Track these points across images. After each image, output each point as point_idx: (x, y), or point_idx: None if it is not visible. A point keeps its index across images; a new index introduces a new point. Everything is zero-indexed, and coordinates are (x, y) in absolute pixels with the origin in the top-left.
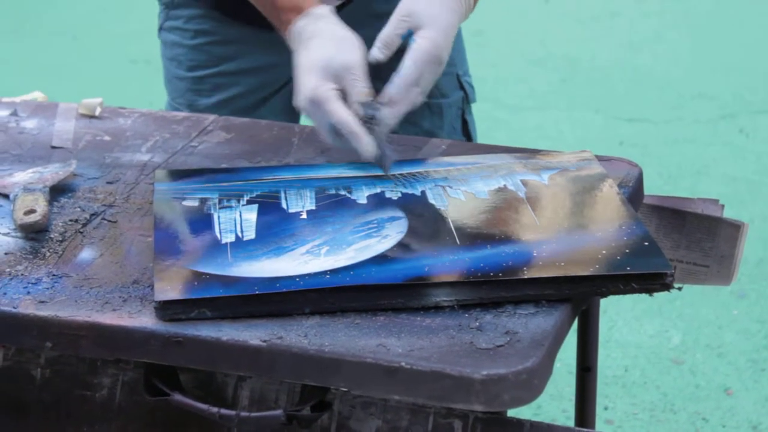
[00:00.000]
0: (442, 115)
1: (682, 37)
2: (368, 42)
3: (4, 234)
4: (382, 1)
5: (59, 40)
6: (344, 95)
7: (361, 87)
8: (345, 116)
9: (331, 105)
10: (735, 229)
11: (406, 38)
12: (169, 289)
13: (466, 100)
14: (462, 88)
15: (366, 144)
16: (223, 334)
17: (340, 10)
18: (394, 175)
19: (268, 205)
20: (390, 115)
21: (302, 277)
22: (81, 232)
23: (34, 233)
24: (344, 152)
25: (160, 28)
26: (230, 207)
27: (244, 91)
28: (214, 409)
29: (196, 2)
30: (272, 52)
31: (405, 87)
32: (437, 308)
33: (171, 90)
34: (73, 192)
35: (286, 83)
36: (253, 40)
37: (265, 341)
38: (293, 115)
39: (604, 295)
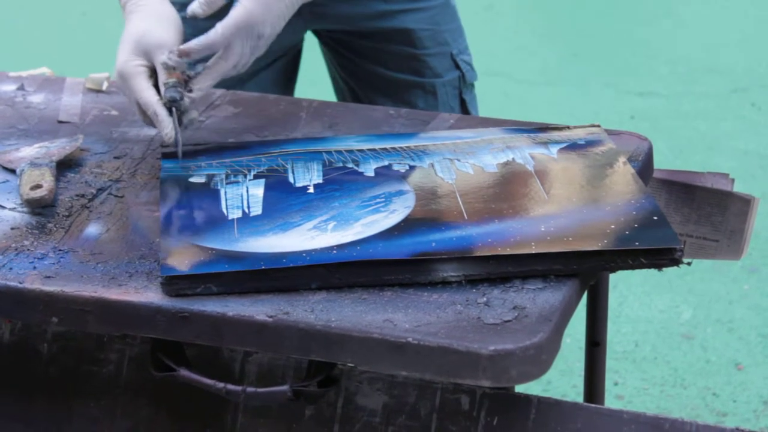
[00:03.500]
0: (437, 95)
1: (693, 10)
2: (342, 19)
3: (11, 209)
4: None
5: (68, 16)
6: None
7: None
8: (147, 95)
9: (135, 81)
10: (745, 203)
11: (230, 1)
12: (176, 265)
13: (464, 79)
14: (458, 67)
15: (164, 127)
16: (229, 310)
17: None
18: (402, 147)
19: (276, 180)
20: (193, 96)
21: (309, 252)
22: (87, 207)
23: (41, 208)
24: (352, 125)
25: None
26: (237, 183)
27: None
28: (221, 385)
29: None
30: None
31: (203, 49)
32: (444, 283)
33: None
34: (80, 167)
35: (275, 60)
36: None
37: (271, 317)
38: (281, 91)
39: (613, 270)
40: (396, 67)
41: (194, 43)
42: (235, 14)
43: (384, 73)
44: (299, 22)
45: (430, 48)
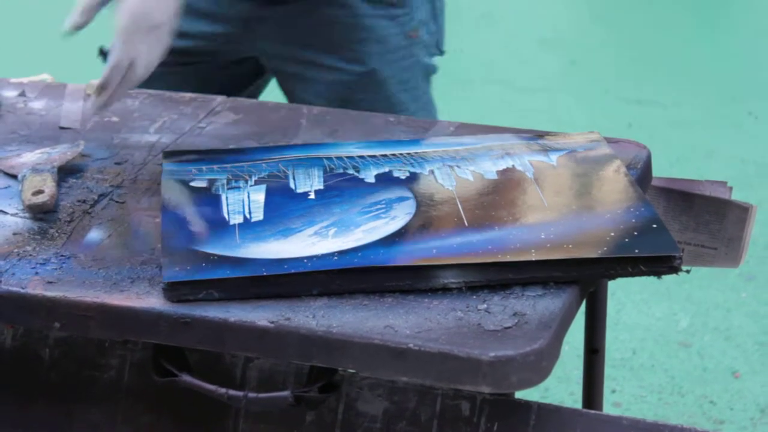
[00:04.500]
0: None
1: (690, 19)
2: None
3: (12, 214)
4: None
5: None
6: None
7: None
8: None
9: None
10: (743, 211)
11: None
12: (177, 270)
13: None
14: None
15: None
16: (230, 315)
17: None
18: (402, 153)
19: (277, 185)
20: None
21: (310, 258)
22: (89, 213)
23: (42, 214)
24: (352, 132)
25: None
26: (238, 188)
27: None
28: (222, 390)
29: None
30: (208, 26)
31: (115, 74)
32: (445, 290)
33: None
34: (81, 173)
35: (203, 61)
36: (195, 9)
37: (272, 322)
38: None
39: (612, 278)
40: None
41: (105, 75)
42: (118, 17)
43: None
44: (242, 35)
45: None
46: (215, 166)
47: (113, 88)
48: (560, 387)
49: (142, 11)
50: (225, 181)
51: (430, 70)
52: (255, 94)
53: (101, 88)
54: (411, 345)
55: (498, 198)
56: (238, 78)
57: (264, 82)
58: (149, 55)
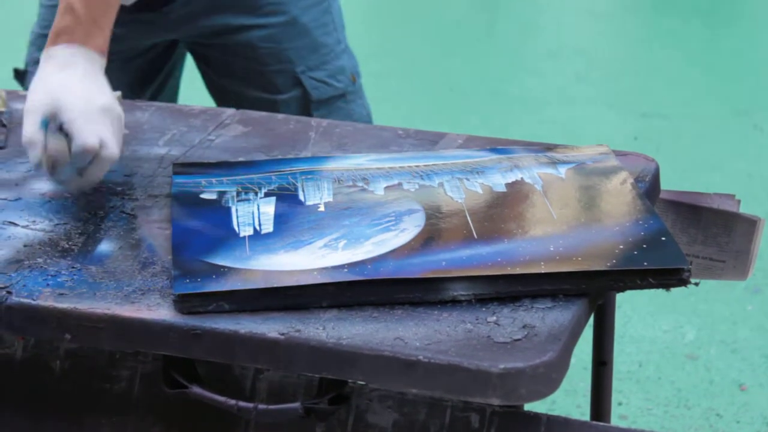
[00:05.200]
0: (279, 111)
1: (695, 32)
2: (189, 31)
3: (23, 226)
4: None
5: None
6: None
7: None
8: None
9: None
10: (751, 224)
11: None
12: (188, 282)
13: (308, 98)
14: (301, 84)
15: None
16: (241, 327)
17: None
18: (411, 166)
19: (286, 198)
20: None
21: (320, 270)
22: (100, 225)
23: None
24: (361, 145)
25: None
26: (248, 200)
27: None
28: (232, 402)
29: None
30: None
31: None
32: (454, 302)
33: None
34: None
35: (111, 60)
36: None
37: (283, 334)
38: (135, 92)
39: (621, 290)
40: (244, 82)
41: (58, 152)
42: (65, 102)
43: (232, 86)
44: (146, 29)
45: (272, 65)
46: (225, 179)
47: (90, 172)
48: (567, 399)
49: (87, 95)
50: (235, 194)
51: (339, 12)
52: (174, 71)
53: (52, 167)
54: (421, 357)
55: (507, 210)
56: (151, 62)
57: (180, 56)
58: (116, 133)
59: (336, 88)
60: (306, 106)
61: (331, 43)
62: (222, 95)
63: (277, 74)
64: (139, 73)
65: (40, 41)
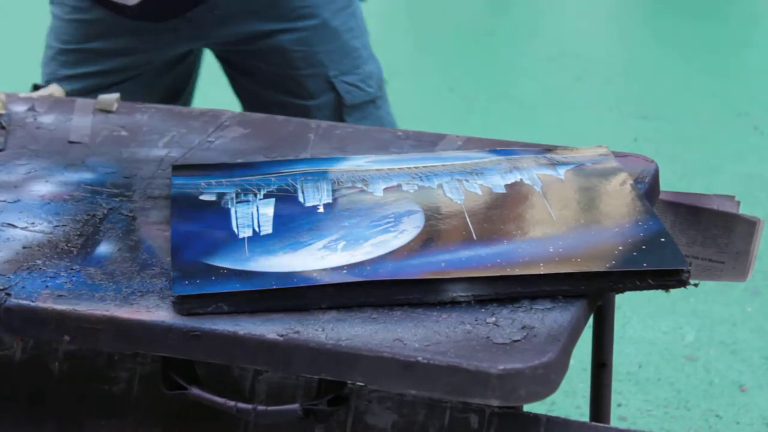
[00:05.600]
0: (310, 117)
1: (694, 34)
2: (219, 38)
3: (22, 228)
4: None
5: None
6: None
7: None
8: None
9: None
10: (751, 225)
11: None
12: (187, 284)
13: (342, 102)
14: (334, 89)
15: None
16: (240, 329)
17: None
18: (410, 167)
19: (285, 199)
20: None
21: (319, 272)
22: (98, 227)
23: None
24: (360, 146)
25: (51, 2)
26: (247, 201)
27: (101, 69)
28: (231, 403)
29: None
30: (135, 39)
31: None
32: (454, 303)
33: (43, 58)
34: (90, 186)
35: (141, 72)
36: (118, 25)
37: (282, 335)
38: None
39: (621, 291)
40: (274, 87)
41: None
42: None
43: (263, 92)
44: (174, 38)
45: (304, 69)
46: (224, 180)
47: None
48: (566, 401)
49: None
50: (234, 195)
51: (363, 17)
52: (193, 75)
53: None
54: (420, 358)
55: (506, 212)
56: (180, 74)
57: (197, 60)
58: None
59: (368, 93)
60: (339, 111)
61: (359, 47)
62: (252, 101)
63: (310, 78)
64: (168, 93)
65: (63, 57)
